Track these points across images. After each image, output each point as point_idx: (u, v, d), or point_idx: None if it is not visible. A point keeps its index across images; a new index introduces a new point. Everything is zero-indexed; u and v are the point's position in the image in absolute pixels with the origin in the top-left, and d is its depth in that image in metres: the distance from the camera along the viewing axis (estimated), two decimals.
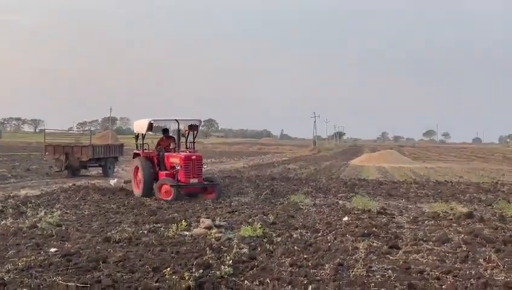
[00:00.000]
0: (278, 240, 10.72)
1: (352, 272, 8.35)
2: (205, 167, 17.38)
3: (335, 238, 11.06)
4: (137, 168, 18.57)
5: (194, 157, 17.81)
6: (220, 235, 11.14)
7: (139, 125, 19.16)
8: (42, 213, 13.44)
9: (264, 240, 10.61)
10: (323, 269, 8.54)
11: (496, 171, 38.34)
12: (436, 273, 8.40)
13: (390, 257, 9.51)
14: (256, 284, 7.65)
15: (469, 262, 9.25)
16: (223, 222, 12.87)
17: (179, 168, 17.67)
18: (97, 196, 17.68)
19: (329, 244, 10.49)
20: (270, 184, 23.35)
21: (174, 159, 18.14)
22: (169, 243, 10.24)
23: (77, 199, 16.79)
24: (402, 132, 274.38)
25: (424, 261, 9.28)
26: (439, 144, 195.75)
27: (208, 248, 9.61)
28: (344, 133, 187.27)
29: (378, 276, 8.16)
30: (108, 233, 11.09)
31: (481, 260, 9.31)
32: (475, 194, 20.78)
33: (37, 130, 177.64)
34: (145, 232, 11.48)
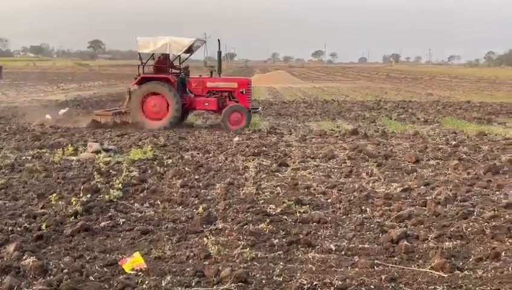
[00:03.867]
0: (169, 162, 10.67)
1: (242, 190, 8.50)
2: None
3: (226, 159, 11.17)
4: (148, 95, 16.03)
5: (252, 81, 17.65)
6: (108, 159, 10.88)
7: (150, 43, 16.30)
8: None
9: (155, 163, 10.51)
10: (214, 188, 8.63)
11: (380, 90, 39.98)
12: (322, 188, 8.74)
13: (279, 175, 9.78)
14: (147, 206, 7.60)
15: (353, 176, 9.70)
16: (112, 145, 12.57)
17: (243, 91, 16.37)
18: None
19: (220, 164, 10.59)
20: None
21: (227, 83, 16.79)
22: (55, 169, 9.88)
23: None
24: (292, 53, 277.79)
25: (311, 177, 9.62)
26: (327, 64, 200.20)
27: (96, 172, 9.36)
28: (235, 54, 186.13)
29: (268, 193, 8.36)
30: None
31: (364, 174, 9.79)
32: (360, 112, 21.64)
33: None
34: (29, 158, 11.01)
